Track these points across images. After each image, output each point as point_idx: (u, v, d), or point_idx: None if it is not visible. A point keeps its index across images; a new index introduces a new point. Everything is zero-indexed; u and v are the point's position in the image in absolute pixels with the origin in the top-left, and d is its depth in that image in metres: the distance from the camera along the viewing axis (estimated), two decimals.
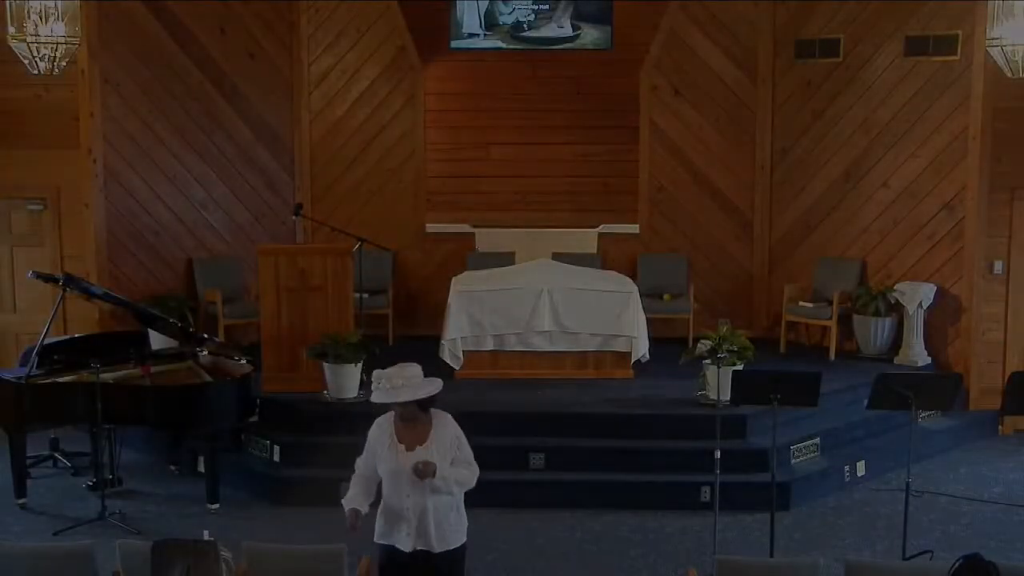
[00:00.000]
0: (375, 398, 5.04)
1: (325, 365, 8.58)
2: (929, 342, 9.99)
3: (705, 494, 7.80)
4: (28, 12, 7.53)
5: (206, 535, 5.06)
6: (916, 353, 9.90)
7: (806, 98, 10.85)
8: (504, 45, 11.29)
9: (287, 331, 8.83)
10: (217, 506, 7.86)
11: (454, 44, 11.27)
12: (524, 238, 11.20)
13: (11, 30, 7.64)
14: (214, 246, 10.86)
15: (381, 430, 5.15)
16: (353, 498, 5.15)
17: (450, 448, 5.12)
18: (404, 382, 4.98)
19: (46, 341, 7.95)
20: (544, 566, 7.02)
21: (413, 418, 5.06)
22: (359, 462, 5.24)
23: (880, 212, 10.42)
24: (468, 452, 5.23)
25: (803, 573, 5.16)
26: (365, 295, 10.12)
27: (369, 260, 10.12)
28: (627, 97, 11.29)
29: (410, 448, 5.04)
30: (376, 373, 5.06)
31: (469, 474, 5.20)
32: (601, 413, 8.55)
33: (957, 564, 4.27)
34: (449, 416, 5.21)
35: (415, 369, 5.08)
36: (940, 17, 9.84)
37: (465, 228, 11.44)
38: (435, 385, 5.11)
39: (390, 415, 5.14)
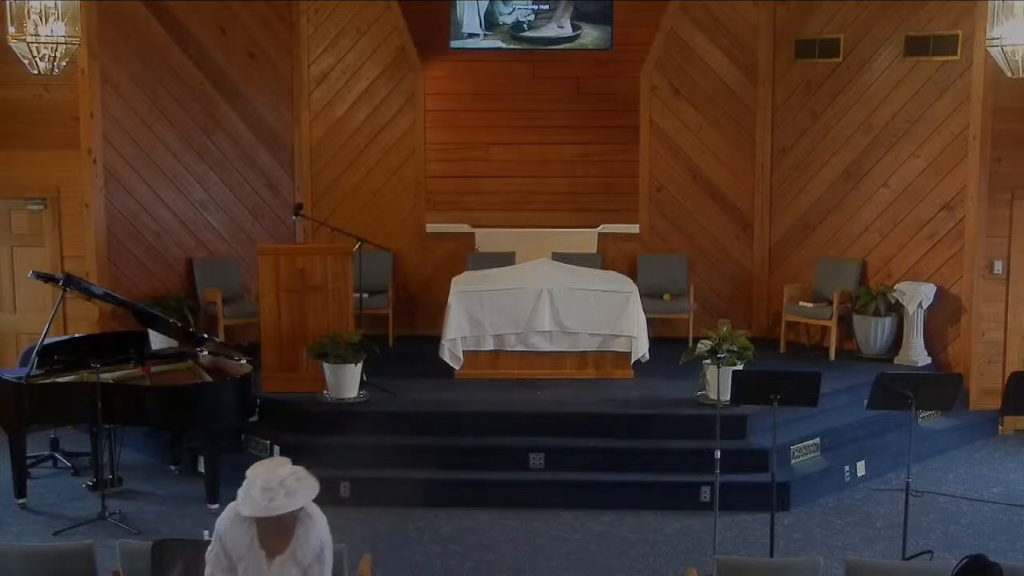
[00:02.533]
0: (251, 512, 4.14)
1: (325, 365, 8.58)
2: (929, 342, 10.00)
3: (705, 494, 7.80)
4: (28, 12, 7.53)
5: (206, 535, 5.06)
6: (916, 353, 9.90)
7: (806, 98, 10.85)
8: (504, 45, 11.29)
9: (287, 331, 8.83)
10: (217, 506, 7.84)
11: (454, 44, 11.27)
12: (524, 238, 11.20)
13: (11, 30, 7.65)
14: (214, 246, 10.86)
15: (239, 528, 4.29)
16: None
17: (312, 557, 4.30)
18: (287, 489, 4.11)
19: (46, 341, 7.94)
20: (544, 566, 7.01)
21: (287, 526, 4.23)
22: (211, 558, 4.35)
23: (880, 212, 10.42)
24: (329, 567, 4.36)
25: (803, 573, 5.16)
26: (365, 295, 10.12)
27: (369, 260, 10.13)
28: (627, 97, 11.29)
29: (271, 556, 4.28)
30: (257, 481, 4.15)
31: None
32: (601, 413, 8.54)
33: (961, 564, 4.26)
34: (319, 515, 4.37)
35: (290, 466, 4.21)
36: (940, 17, 9.84)
37: (465, 228, 11.44)
38: (314, 484, 4.23)
39: None
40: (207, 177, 10.77)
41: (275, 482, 4.11)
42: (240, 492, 4.20)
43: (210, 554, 4.37)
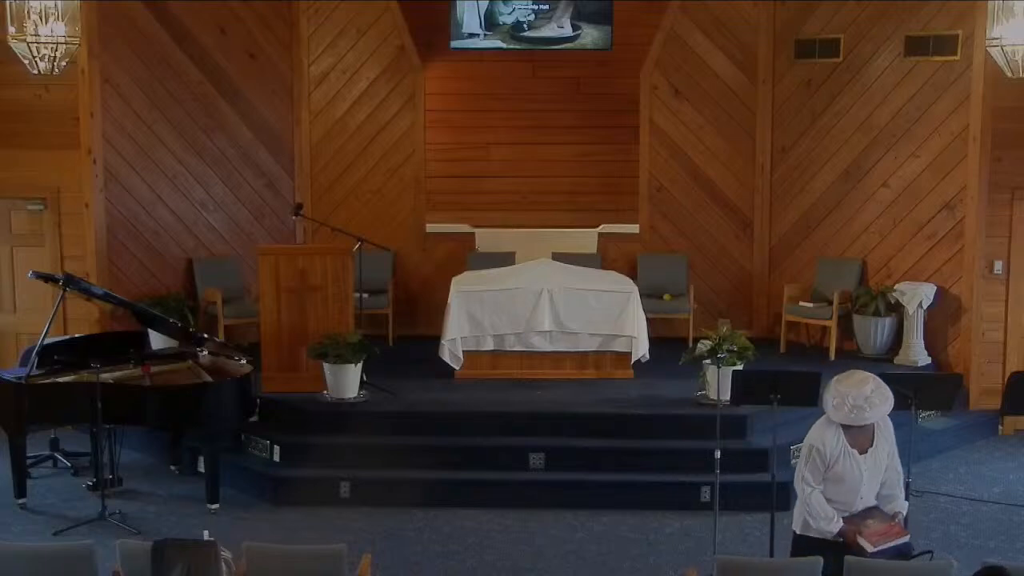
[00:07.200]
0: (843, 420, 5.38)
1: (325, 365, 8.58)
2: (929, 342, 9.99)
3: (705, 494, 7.80)
4: (28, 12, 7.53)
5: (206, 535, 5.07)
6: (916, 353, 9.90)
7: (806, 98, 10.85)
8: (504, 45, 11.29)
9: (287, 331, 8.83)
10: (217, 506, 7.86)
11: (454, 44, 11.27)
12: (524, 238, 11.19)
13: (11, 30, 7.65)
14: (214, 246, 10.86)
15: (828, 432, 5.49)
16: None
17: (887, 456, 5.58)
18: (871, 403, 5.39)
19: (46, 341, 7.94)
20: (544, 566, 7.01)
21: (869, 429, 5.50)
22: (807, 466, 5.57)
23: (880, 212, 10.42)
24: (896, 459, 5.66)
25: (803, 573, 5.16)
26: (365, 295, 10.11)
27: (369, 260, 10.11)
28: (627, 97, 11.29)
29: (861, 452, 5.52)
30: (848, 396, 5.37)
31: (901, 492, 5.69)
32: (601, 413, 8.55)
33: (977, 573, 4.24)
34: (889, 424, 5.63)
35: (872, 383, 5.44)
36: (940, 17, 9.84)
37: (465, 228, 11.44)
38: (890, 397, 5.50)
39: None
40: (207, 177, 10.76)
41: (862, 398, 5.34)
42: (828, 402, 5.44)
43: (804, 464, 5.55)
